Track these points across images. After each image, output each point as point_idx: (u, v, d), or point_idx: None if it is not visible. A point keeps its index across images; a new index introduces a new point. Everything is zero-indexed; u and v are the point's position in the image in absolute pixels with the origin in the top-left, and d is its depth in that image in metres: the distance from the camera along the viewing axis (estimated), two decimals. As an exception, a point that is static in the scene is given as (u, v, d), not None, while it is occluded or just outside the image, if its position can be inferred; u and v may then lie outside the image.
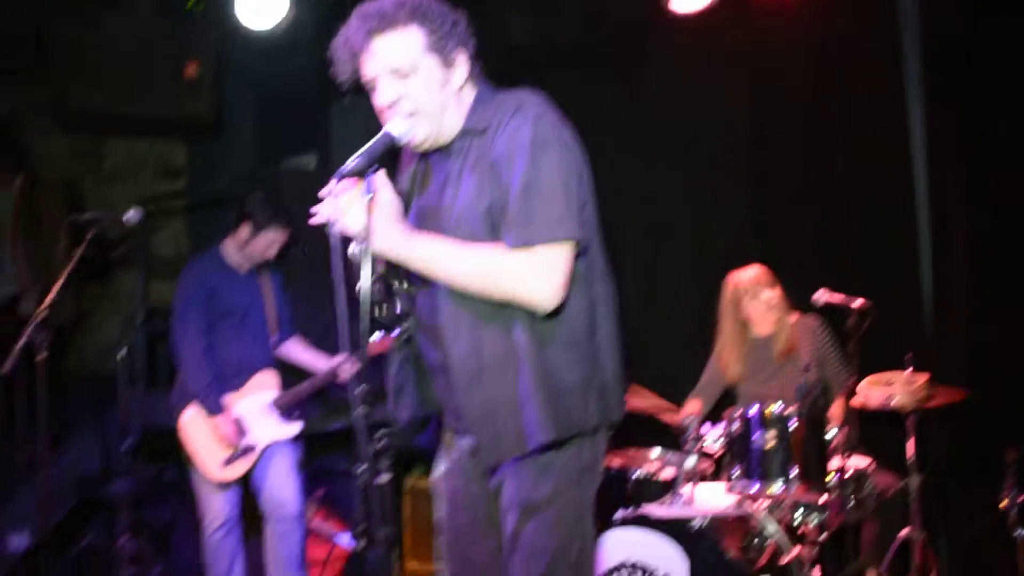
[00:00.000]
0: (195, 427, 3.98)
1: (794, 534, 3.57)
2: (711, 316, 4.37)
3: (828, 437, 3.63)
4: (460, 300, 2.09)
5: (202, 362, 3.95)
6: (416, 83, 2.10)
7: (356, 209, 1.99)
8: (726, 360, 4.30)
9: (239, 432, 3.96)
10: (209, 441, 3.96)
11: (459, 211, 2.11)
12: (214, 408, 3.93)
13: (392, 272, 2.21)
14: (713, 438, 3.72)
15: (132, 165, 6.82)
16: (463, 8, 2.18)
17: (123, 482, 4.32)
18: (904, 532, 3.75)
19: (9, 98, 4.88)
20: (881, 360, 3.84)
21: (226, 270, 4.14)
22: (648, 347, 4.68)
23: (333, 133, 6.39)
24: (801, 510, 3.62)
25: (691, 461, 3.66)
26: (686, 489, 3.64)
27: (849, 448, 3.67)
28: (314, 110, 6.38)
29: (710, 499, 3.65)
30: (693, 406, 4.23)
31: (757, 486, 3.51)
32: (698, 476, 3.71)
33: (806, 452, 3.54)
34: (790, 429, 3.53)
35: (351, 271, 1.97)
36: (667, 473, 3.84)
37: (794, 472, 3.49)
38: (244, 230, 4.11)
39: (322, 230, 2.04)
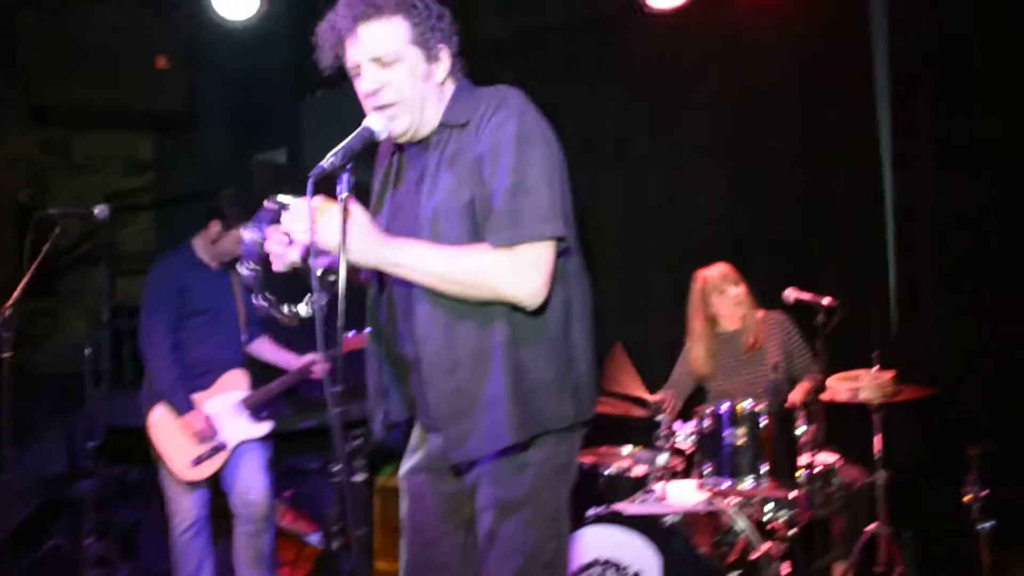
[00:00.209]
0: (163, 426, 3.94)
1: (764, 530, 3.60)
2: (681, 313, 4.41)
3: (797, 434, 3.67)
4: (434, 297, 2.09)
5: (169, 360, 3.90)
6: (399, 73, 2.10)
7: (328, 221, 1.97)
8: (695, 356, 4.36)
9: (208, 431, 3.92)
10: (178, 440, 3.92)
11: (436, 205, 2.10)
12: (183, 407, 3.88)
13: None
14: (684, 435, 3.74)
15: (100, 158, 6.74)
16: (447, 3, 2.18)
17: (88, 482, 4.27)
18: (871, 526, 3.80)
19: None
20: (848, 358, 3.89)
21: (197, 267, 4.09)
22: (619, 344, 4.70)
23: (304, 127, 6.36)
24: (771, 506, 3.65)
25: (662, 458, 3.69)
26: (658, 486, 3.67)
27: (817, 444, 3.71)
28: (286, 104, 6.34)
29: (681, 496, 3.67)
30: (664, 396, 4.25)
31: (728, 483, 3.54)
32: (669, 473, 3.74)
33: (776, 449, 3.58)
34: (760, 426, 3.56)
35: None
36: (638, 470, 3.87)
37: (764, 468, 3.53)
38: (214, 227, 4.06)
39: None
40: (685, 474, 3.93)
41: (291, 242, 2.02)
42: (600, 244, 4.95)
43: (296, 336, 4.12)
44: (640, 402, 3.91)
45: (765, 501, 3.66)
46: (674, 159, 4.97)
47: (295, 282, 2.13)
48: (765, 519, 3.63)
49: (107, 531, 4.62)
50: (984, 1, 4.17)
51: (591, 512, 3.47)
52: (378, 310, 2.30)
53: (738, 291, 4.26)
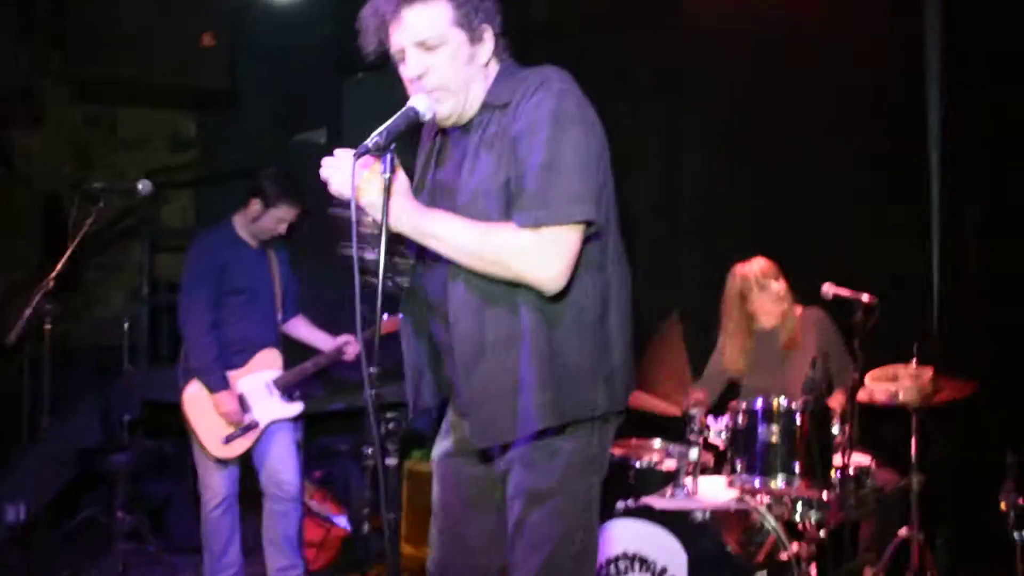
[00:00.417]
0: (197, 403, 3.97)
1: (793, 530, 3.56)
2: (715, 308, 4.35)
3: (832, 433, 3.62)
4: (468, 279, 2.08)
5: (208, 337, 3.93)
6: (442, 57, 2.09)
7: (373, 186, 1.98)
8: (730, 352, 4.27)
9: (241, 409, 3.96)
10: (211, 417, 3.95)
11: (475, 185, 2.09)
12: (217, 384, 3.92)
13: (395, 248, 2.20)
14: (716, 430, 3.70)
15: (143, 135, 6.81)
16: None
17: (122, 455, 4.32)
18: (903, 531, 3.75)
19: (24, 65, 4.84)
20: (886, 354, 3.81)
21: (237, 245, 4.11)
22: (652, 336, 4.66)
23: (345, 107, 6.36)
24: (801, 506, 3.60)
25: (694, 453, 3.64)
26: (688, 481, 3.63)
27: (852, 445, 3.65)
28: (327, 83, 6.35)
29: (711, 492, 3.63)
30: (698, 394, 4.21)
31: (759, 480, 3.49)
32: (700, 468, 3.70)
33: (809, 448, 3.51)
34: (795, 424, 3.51)
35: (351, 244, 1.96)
36: (669, 464, 3.83)
37: (796, 468, 3.47)
38: (254, 205, 4.08)
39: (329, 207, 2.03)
40: (716, 470, 3.89)
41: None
42: (631, 236, 4.90)
43: (331, 316, 4.16)
44: (672, 416, 3.88)
45: (796, 501, 3.61)
46: (708, 150, 4.90)
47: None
48: (795, 519, 3.58)
49: (139, 504, 4.68)
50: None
51: (620, 505, 3.45)
52: (415, 291, 2.29)
53: (778, 287, 4.15)
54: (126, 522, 4.44)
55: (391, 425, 1.92)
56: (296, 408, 4.10)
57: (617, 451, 3.91)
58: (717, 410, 3.95)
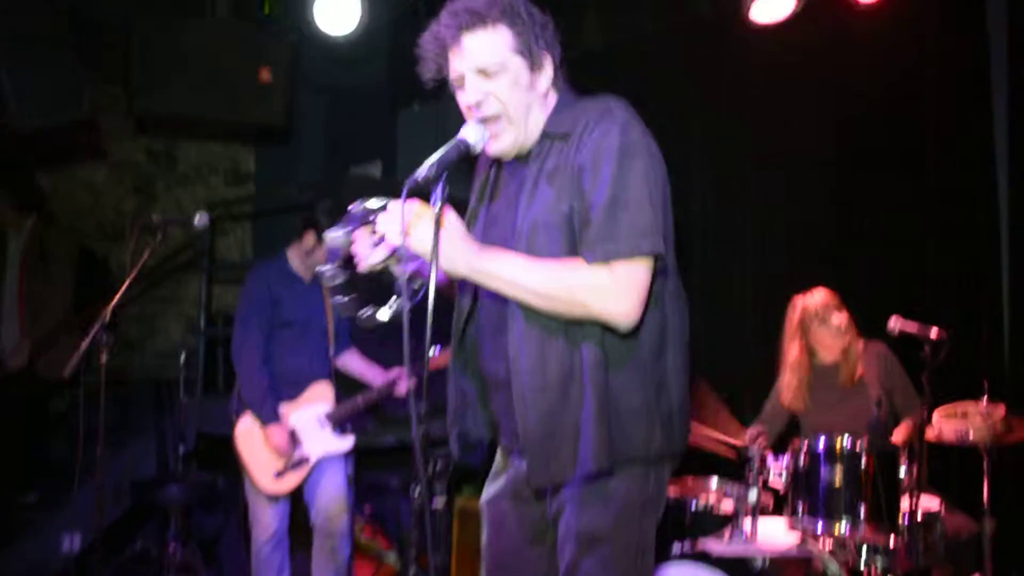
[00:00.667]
0: (249, 437, 3.97)
1: (859, 577, 3.43)
2: (775, 342, 4.23)
3: (899, 475, 3.48)
4: (528, 313, 2.03)
5: (260, 370, 3.94)
6: (502, 83, 2.07)
7: (422, 227, 1.94)
8: (790, 389, 4.15)
9: (292, 443, 3.94)
10: (262, 452, 3.95)
11: (535, 217, 2.05)
12: (268, 418, 3.91)
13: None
14: (777, 471, 3.58)
15: (203, 169, 6.92)
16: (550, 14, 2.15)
17: (176, 488, 4.33)
18: (976, 580, 3.58)
19: (87, 98, 4.96)
20: (955, 390, 3.68)
21: (291, 278, 4.13)
22: (711, 371, 4.56)
23: (400, 141, 6.41)
24: (867, 552, 3.46)
25: (753, 494, 3.53)
26: (747, 524, 3.51)
27: (920, 487, 3.51)
28: (382, 117, 6.40)
29: (772, 536, 3.51)
30: (756, 431, 4.10)
31: (822, 524, 3.37)
32: (759, 510, 3.58)
33: (875, 490, 3.39)
34: (859, 465, 3.38)
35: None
36: (726, 506, 3.72)
37: (861, 511, 3.34)
38: (309, 238, 4.09)
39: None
40: (776, 512, 3.77)
41: (377, 243, 1.99)
42: (690, 266, 4.83)
43: (385, 350, 4.14)
44: (731, 447, 3.77)
45: (861, 546, 3.47)
46: (770, 177, 4.81)
47: (380, 290, 2.10)
48: (860, 567, 3.44)
49: (191, 537, 4.69)
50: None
51: (676, 548, 3.35)
52: (466, 325, 2.25)
53: (840, 320, 4.03)
54: (178, 555, 4.45)
55: (439, 465, 1.87)
56: (347, 442, 4.08)
57: (672, 491, 3.80)
58: (778, 448, 3.83)
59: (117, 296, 3.47)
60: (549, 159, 2.09)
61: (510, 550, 2.25)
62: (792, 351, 4.15)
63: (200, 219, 3.76)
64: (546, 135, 2.12)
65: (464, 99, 2.11)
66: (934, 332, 3.60)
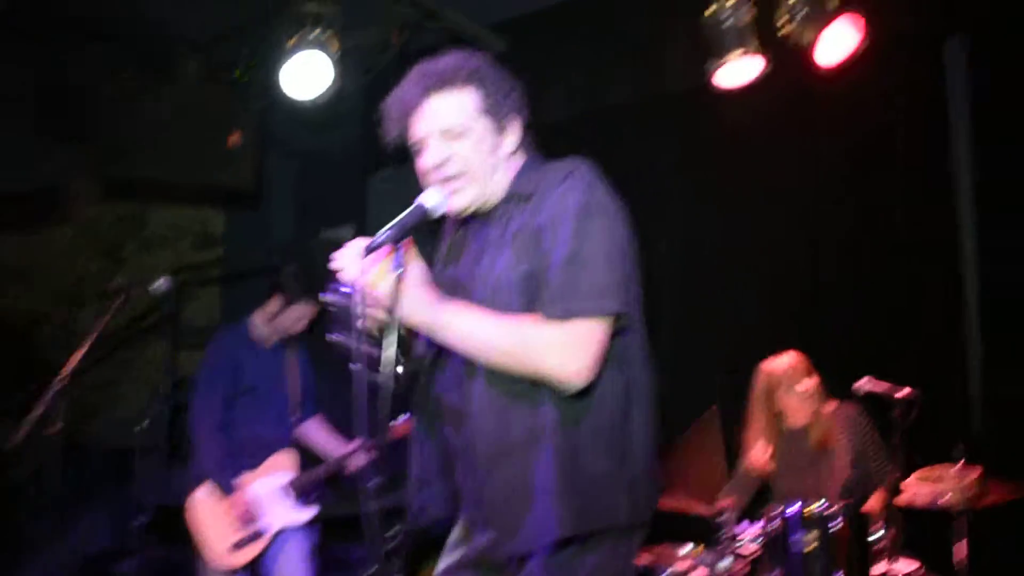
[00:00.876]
0: (205, 507, 3.86)
1: (836, 646, 3.35)
2: (741, 407, 4.19)
3: (873, 539, 3.43)
4: (488, 375, 1.99)
5: (216, 438, 3.86)
6: (466, 145, 2.06)
7: (385, 281, 1.92)
8: (758, 455, 4.10)
9: (251, 514, 3.83)
10: (218, 523, 3.83)
11: (496, 278, 2.02)
12: (226, 487, 3.81)
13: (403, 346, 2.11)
14: (750, 537, 3.52)
15: (173, 232, 6.87)
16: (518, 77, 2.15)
17: (131, 562, 4.19)
18: (955, 647, 3.51)
19: (54, 162, 4.92)
20: (927, 453, 3.64)
21: (252, 344, 4.07)
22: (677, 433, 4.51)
23: (371, 205, 6.40)
24: (845, 618, 3.39)
25: (726, 562, 3.46)
26: (720, 593, 3.44)
27: (895, 551, 3.46)
28: (353, 182, 6.40)
29: (745, 604, 3.44)
30: (727, 501, 4.03)
31: (798, 591, 3.31)
32: (733, 579, 3.50)
33: (849, 556, 3.34)
34: (832, 530, 3.34)
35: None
36: (698, 574, 3.63)
37: (838, 577, 3.29)
38: (275, 302, 4.06)
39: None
40: (752, 579, 3.69)
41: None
42: (654, 330, 4.79)
43: (350, 418, 4.05)
44: (701, 517, 3.71)
45: (837, 614, 3.40)
46: (738, 240, 4.82)
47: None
48: (837, 634, 3.37)
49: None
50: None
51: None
52: (429, 390, 2.19)
53: (808, 385, 4.00)
54: (134, 633, 4.29)
55: (398, 539, 1.80)
56: (308, 513, 3.97)
57: (643, 558, 3.71)
58: (750, 514, 3.77)
59: (74, 362, 3.39)
60: (513, 220, 2.06)
61: None
62: (759, 417, 4.11)
63: (160, 284, 3.71)
64: (510, 196, 2.10)
65: (424, 162, 2.09)
66: (903, 392, 3.58)
